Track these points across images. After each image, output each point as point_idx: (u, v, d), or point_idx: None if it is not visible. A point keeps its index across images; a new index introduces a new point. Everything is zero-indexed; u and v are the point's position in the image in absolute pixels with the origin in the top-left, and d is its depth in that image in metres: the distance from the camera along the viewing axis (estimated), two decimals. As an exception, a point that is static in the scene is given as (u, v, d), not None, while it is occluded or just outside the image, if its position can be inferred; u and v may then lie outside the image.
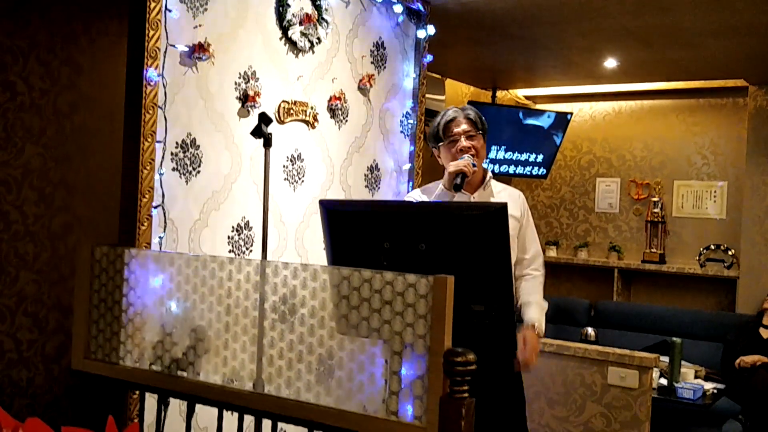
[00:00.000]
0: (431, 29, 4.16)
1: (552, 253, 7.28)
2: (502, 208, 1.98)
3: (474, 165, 2.79)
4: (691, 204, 6.75)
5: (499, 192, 2.93)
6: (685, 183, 6.79)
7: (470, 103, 6.45)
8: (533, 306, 2.81)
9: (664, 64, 5.72)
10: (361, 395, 1.79)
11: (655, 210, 6.80)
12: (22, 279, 3.27)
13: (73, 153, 3.46)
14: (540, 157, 6.85)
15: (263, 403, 1.91)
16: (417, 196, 3.00)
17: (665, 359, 4.65)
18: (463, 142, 2.82)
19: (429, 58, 4.22)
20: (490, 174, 2.93)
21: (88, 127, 3.51)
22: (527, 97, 7.42)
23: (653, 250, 6.78)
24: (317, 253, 3.45)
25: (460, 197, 2.83)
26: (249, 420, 2.01)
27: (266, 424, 1.99)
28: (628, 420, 3.40)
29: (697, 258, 6.62)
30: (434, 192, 2.89)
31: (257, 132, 2.40)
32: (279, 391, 1.91)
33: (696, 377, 4.80)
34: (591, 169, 7.28)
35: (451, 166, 2.78)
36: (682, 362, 4.72)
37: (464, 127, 2.84)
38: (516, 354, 2.69)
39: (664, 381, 4.60)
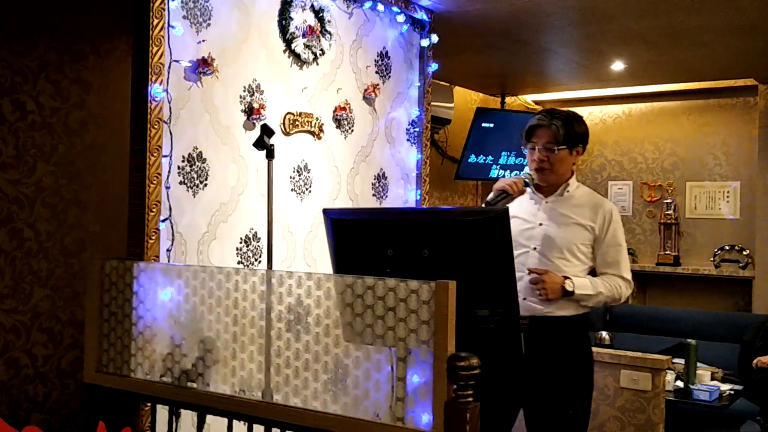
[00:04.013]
0: (435, 38, 4.19)
1: (566, 257, 7.25)
2: (503, 212, 1.99)
3: (527, 183, 2.82)
4: (705, 205, 6.71)
5: (581, 199, 2.89)
6: (698, 184, 6.75)
7: (479, 109, 6.45)
8: (586, 277, 2.81)
9: (672, 65, 5.71)
10: (368, 402, 1.81)
11: (669, 212, 6.77)
12: (36, 295, 3.31)
13: (84, 170, 3.50)
14: (551, 162, 6.84)
15: (272, 412, 1.93)
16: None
17: (681, 362, 4.62)
18: (538, 154, 2.83)
19: (434, 66, 4.24)
20: (571, 180, 2.91)
21: (99, 144, 3.55)
22: (536, 103, 7.42)
23: (667, 252, 6.75)
24: (326, 263, 3.46)
25: (535, 200, 2.89)
26: (259, 429, 2.03)
27: (275, 432, 2.01)
28: (642, 423, 3.39)
29: (712, 259, 6.58)
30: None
31: (260, 144, 2.43)
32: (287, 399, 1.93)
33: (713, 379, 4.76)
34: (603, 172, 7.26)
35: (499, 183, 2.82)
36: (699, 364, 4.68)
37: (546, 138, 2.82)
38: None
39: (680, 383, 4.57)
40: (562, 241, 2.79)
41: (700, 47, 5.07)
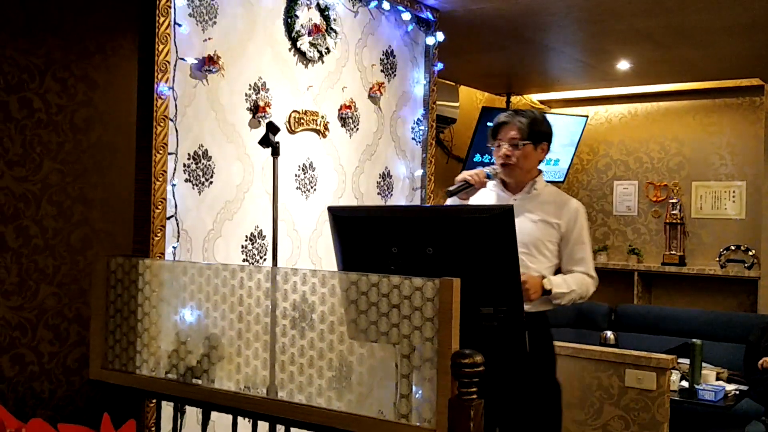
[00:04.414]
0: (440, 36, 4.19)
1: (571, 257, 7.24)
2: (508, 210, 1.99)
3: (489, 176, 2.88)
4: (710, 205, 6.70)
5: (548, 197, 2.95)
6: (704, 184, 6.74)
7: (484, 108, 6.45)
8: (558, 276, 2.85)
9: (678, 64, 5.69)
10: (372, 399, 1.81)
11: (674, 212, 6.75)
12: (42, 292, 3.32)
13: (90, 168, 3.51)
14: (556, 162, 6.84)
15: (276, 409, 1.93)
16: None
17: (686, 361, 4.61)
18: (504, 150, 2.90)
19: (439, 65, 4.25)
20: (539, 178, 2.97)
21: (105, 141, 3.56)
22: (542, 102, 7.41)
23: (673, 252, 6.73)
24: (331, 261, 3.47)
25: (502, 198, 2.95)
26: (263, 426, 2.03)
27: (280, 429, 2.01)
28: (647, 422, 3.38)
29: (718, 259, 6.56)
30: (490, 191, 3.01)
31: (265, 141, 2.43)
32: (291, 396, 1.93)
33: (718, 379, 4.75)
34: (608, 172, 7.25)
35: (461, 174, 2.89)
36: (704, 364, 4.68)
37: (512, 133, 2.90)
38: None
39: (685, 383, 4.57)
40: (529, 238, 2.84)
41: (706, 47, 5.06)
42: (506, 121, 2.93)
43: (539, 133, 2.92)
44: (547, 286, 2.76)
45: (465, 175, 2.87)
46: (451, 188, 2.86)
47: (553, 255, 2.89)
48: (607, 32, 4.74)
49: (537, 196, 2.93)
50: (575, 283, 2.84)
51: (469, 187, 2.85)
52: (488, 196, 2.97)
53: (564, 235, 2.88)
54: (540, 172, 3.00)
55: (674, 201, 6.77)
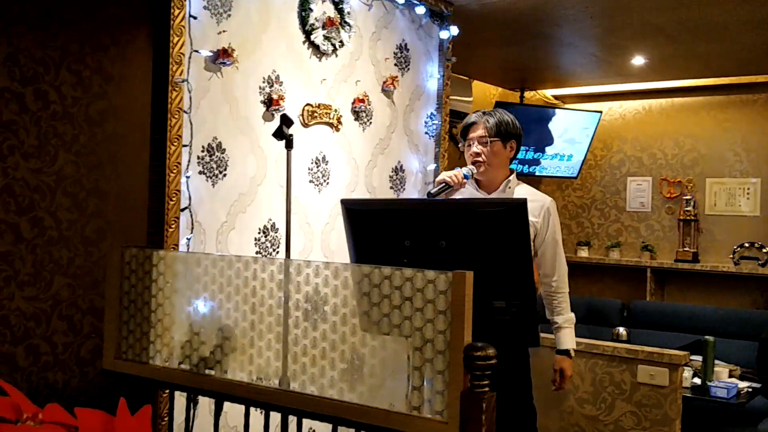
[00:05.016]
0: (454, 30, 4.19)
1: (584, 253, 7.23)
2: (522, 204, 1.99)
3: (466, 176, 2.95)
4: (724, 201, 6.65)
5: (522, 196, 2.99)
6: (718, 180, 6.70)
7: (497, 104, 6.43)
8: (564, 330, 2.97)
9: (693, 60, 5.66)
10: (384, 391, 1.82)
11: (688, 208, 6.71)
12: (56, 283, 3.34)
13: (105, 160, 3.52)
14: (570, 158, 6.82)
15: (289, 400, 1.94)
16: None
17: (699, 358, 4.59)
18: (474, 148, 2.98)
19: (453, 59, 4.24)
20: (512, 177, 3.04)
21: (119, 134, 3.57)
22: (556, 97, 7.38)
23: (686, 248, 6.70)
24: (343, 254, 3.47)
25: (479, 195, 3.03)
26: (275, 417, 2.04)
27: (292, 420, 2.02)
28: (659, 418, 3.37)
29: (731, 256, 6.52)
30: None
31: (279, 134, 2.44)
32: (304, 387, 1.94)
33: (731, 376, 4.73)
34: (622, 168, 7.22)
35: (440, 176, 2.97)
36: (717, 361, 4.65)
37: (480, 132, 2.98)
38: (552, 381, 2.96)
39: (697, 380, 4.55)
40: None
41: (721, 42, 5.02)
42: (475, 122, 3.02)
43: (506, 131, 2.99)
44: (572, 353, 2.97)
45: (444, 176, 2.93)
46: (432, 190, 2.93)
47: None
48: (622, 27, 4.71)
49: (512, 195, 3.01)
50: (566, 308, 3.01)
51: (449, 188, 2.90)
52: (465, 196, 3.02)
53: (539, 231, 2.97)
54: (512, 171, 3.07)
55: (688, 197, 6.73)
